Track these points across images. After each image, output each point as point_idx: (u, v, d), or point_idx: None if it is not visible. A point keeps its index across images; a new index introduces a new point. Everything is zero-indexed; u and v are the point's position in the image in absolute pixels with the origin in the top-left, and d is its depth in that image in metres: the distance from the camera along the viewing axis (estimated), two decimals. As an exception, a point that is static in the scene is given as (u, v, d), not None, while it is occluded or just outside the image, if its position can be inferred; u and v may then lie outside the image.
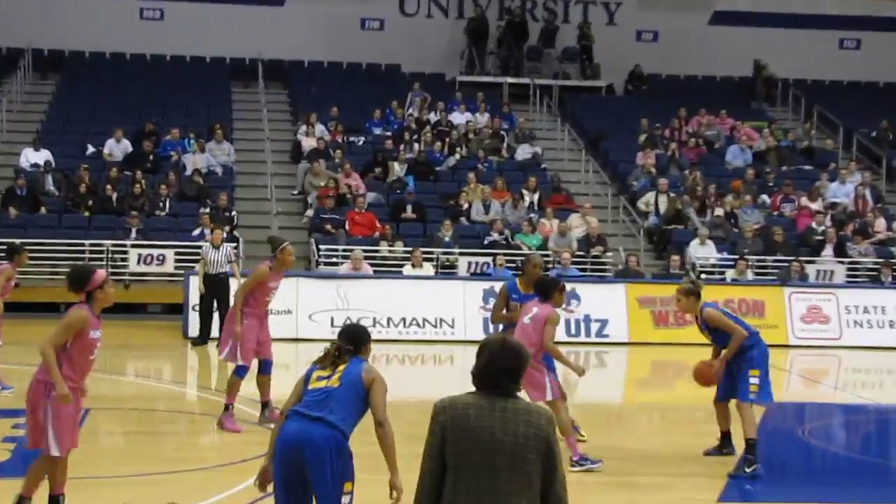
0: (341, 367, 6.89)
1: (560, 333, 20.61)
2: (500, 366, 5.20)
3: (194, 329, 19.69)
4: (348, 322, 7.02)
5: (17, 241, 16.48)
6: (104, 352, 17.88)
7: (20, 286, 20.47)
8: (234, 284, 19.22)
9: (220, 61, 32.22)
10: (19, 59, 30.49)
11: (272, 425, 12.43)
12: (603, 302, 21.39)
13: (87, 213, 23.99)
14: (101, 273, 8.46)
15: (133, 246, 22.60)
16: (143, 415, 13.44)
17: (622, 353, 20.85)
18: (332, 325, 19.96)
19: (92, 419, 12.49)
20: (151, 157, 26.04)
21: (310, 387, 6.91)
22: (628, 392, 18.45)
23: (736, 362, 11.15)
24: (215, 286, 19.31)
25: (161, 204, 24.37)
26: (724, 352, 11.14)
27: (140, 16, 32.18)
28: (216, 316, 19.30)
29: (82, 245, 22.62)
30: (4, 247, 17.92)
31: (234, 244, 21.39)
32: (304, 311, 20.17)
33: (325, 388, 6.84)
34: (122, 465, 10.78)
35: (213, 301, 19.38)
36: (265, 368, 12.46)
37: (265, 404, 12.44)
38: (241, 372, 12.32)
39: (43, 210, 24.11)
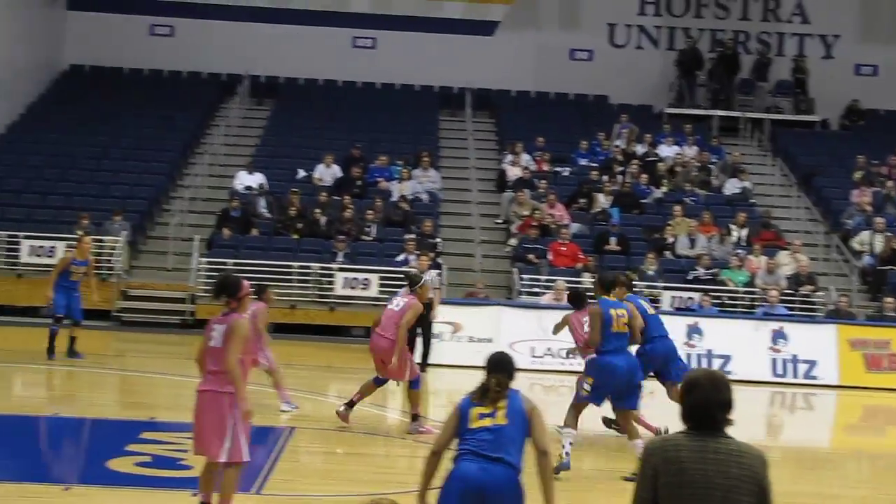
0: (503, 403, 6.73)
1: (765, 373, 20.14)
2: (714, 401, 5.06)
3: (395, 353, 19.82)
4: (497, 352, 7.07)
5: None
6: (309, 372, 18.20)
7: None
8: (436, 311, 19.41)
9: (429, 89, 32.62)
10: (237, 85, 31.52)
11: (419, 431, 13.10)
12: (812, 343, 20.69)
13: (296, 236, 24.54)
14: (246, 282, 9.02)
15: (339, 269, 23.00)
16: (343, 436, 13.57)
17: (831, 396, 20.10)
18: (532, 354, 19.88)
19: (295, 438, 12.70)
20: (359, 183, 26.49)
21: (473, 425, 6.72)
22: (837, 437, 17.74)
23: None
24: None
25: (367, 229, 24.74)
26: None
27: (353, 44, 32.86)
28: (419, 341, 19.49)
29: (290, 267, 23.13)
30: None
31: (438, 271, 21.52)
32: (505, 339, 20.09)
33: (493, 427, 6.68)
34: (323, 484, 10.89)
35: (416, 326, 19.48)
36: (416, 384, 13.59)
37: (415, 416, 13.63)
38: (417, 384, 13.56)
39: (254, 232, 24.77)
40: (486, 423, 6.66)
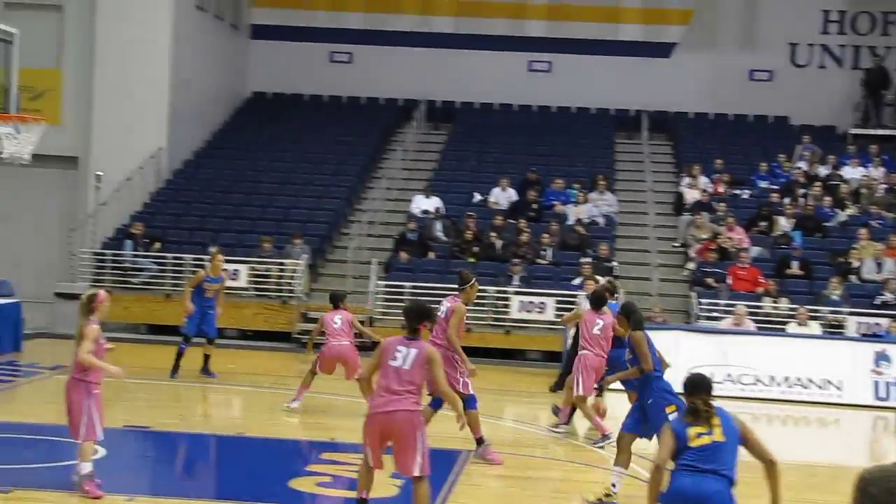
0: (716, 420, 7.28)
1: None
2: None
3: (572, 377, 19.72)
4: (693, 373, 7.53)
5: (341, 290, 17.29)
6: (484, 395, 18.24)
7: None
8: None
9: (605, 112, 32.47)
10: (414, 110, 31.92)
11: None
12: None
13: (472, 260, 24.64)
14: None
15: (515, 293, 22.99)
16: (519, 460, 13.53)
17: None
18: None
19: (472, 462, 12.70)
20: (535, 206, 26.47)
21: (693, 444, 7.21)
22: None
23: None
24: None
25: (543, 252, 24.69)
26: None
27: (529, 68, 32.92)
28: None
29: (466, 290, 23.18)
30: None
31: (615, 295, 21.25)
32: (684, 365, 19.72)
33: (712, 444, 7.22)
34: (499, 508, 10.84)
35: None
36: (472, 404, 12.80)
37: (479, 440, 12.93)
38: (474, 403, 12.81)
39: (431, 255, 24.97)
40: (706, 440, 7.20)
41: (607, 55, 32.23)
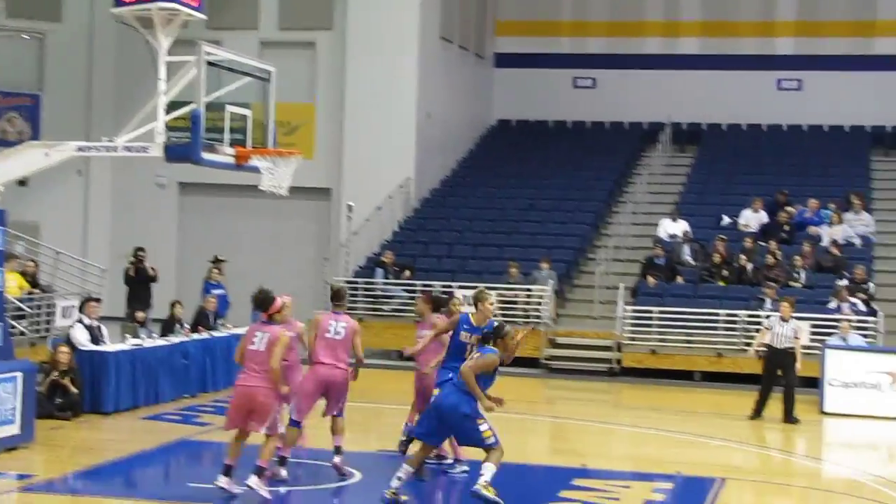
0: None
1: None
2: None
3: (831, 403, 19.06)
4: None
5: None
6: (738, 422, 17.83)
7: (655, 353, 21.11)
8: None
9: (860, 129, 31.33)
10: (659, 133, 31.58)
11: None
12: None
13: (721, 283, 24.14)
14: None
15: (767, 317, 22.36)
16: (779, 488, 13.13)
17: None
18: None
19: (726, 489, 12.41)
20: (787, 228, 25.75)
21: None
22: None
23: None
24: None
25: (796, 275, 23.96)
26: None
27: (778, 87, 32.14)
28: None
29: (716, 314, 22.77)
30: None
31: (874, 317, 20.47)
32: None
33: None
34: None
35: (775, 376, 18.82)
36: None
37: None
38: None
39: (679, 279, 24.60)
40: None
41: (862, 70, 31.12)
